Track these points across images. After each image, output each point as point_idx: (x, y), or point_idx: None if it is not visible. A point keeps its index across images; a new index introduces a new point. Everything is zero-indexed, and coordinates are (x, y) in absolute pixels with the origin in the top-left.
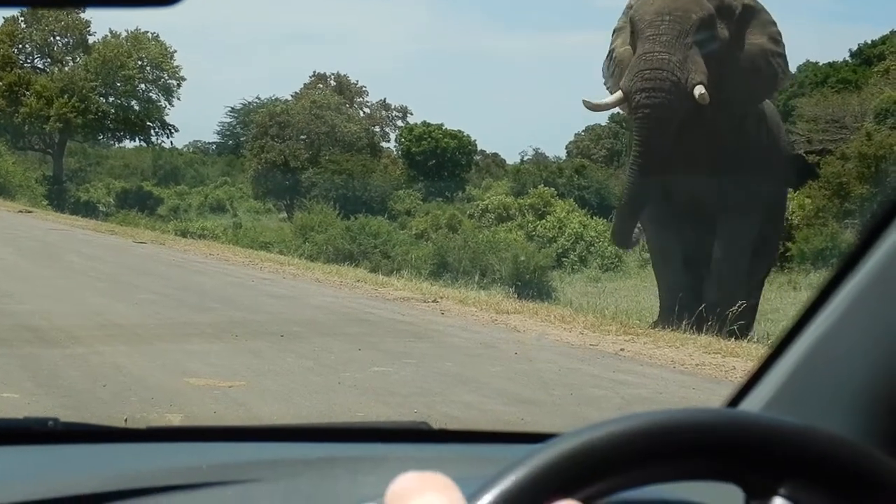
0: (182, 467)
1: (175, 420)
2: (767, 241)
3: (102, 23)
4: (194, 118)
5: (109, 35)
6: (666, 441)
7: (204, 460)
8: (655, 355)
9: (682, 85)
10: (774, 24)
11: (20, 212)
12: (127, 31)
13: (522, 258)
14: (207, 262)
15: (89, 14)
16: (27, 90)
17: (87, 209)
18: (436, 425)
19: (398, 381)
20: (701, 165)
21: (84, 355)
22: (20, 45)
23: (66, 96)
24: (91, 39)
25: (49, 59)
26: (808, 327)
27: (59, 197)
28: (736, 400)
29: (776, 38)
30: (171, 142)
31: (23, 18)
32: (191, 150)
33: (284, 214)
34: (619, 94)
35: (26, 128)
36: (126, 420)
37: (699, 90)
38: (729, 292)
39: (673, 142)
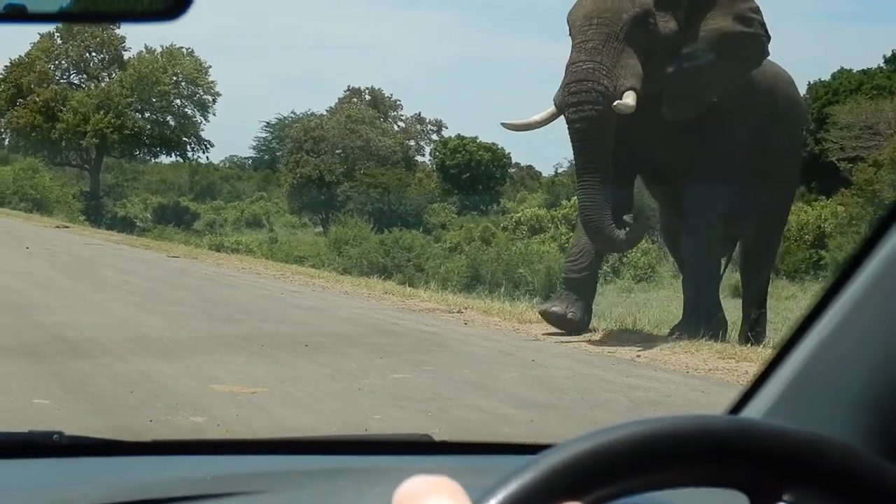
0: (186, 479)
1: (199, 422)
2: (764, 248)
3: (137, 38)
4: (230, 133)
5: (144, 51)
6: (672, 446)
7: (209, 472)
8: (670, 361)
9: (611, 94)
10: (745, 0)
11: (57, 227)
12: (162, 46)
13: (554, 269)
14: (239, 276)
15: (125, 30)
16: (64, 106)
17: (124, 224)
18: (447, 428)
19: (415, 387)
20: (674, 169)
21: (112, 364)
22: (56, 62)
23: (102, 112)
24: (126, 55)
25: (85, 75)
26: (811, 332)
27: (97, 212)
28: (740, 405)
29: (744, 16)
30: (207, 157)
31: (59, 34)
32: (227, 166)
33: (320, 228)
34: (550, 109)
35: (63, 144)
36: (151, 421)
37: (627, 97)
38: (700, 302)
39: (642, 147)
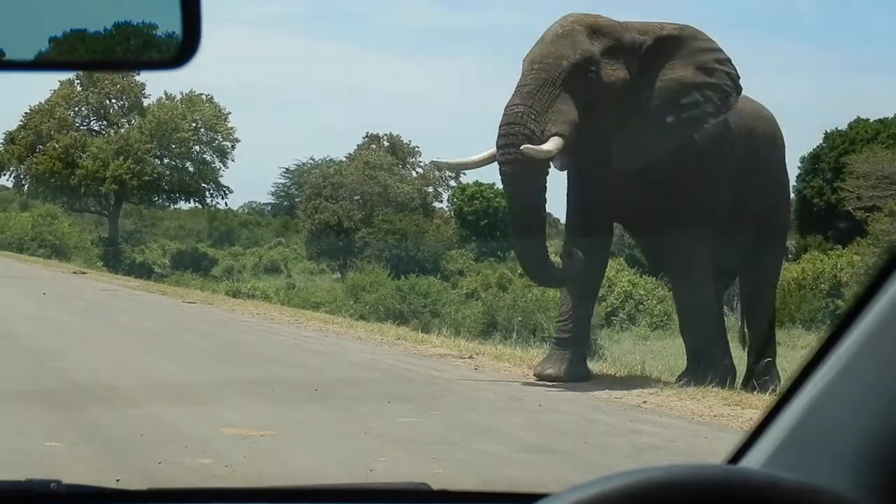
0: None
1: (207, 464)
2: (756, 294)
3: (157, 85)
4: (249, 179)
5: (164, 97)
6: (669, 496)
7: None
8: (676, 407)
9: (537, 138)
10: (712, 51)
11: (74, 273)
12: (181, 93)
13: None
14: (253, 321)
15: (144, 77)
16: (83, 152)
17: (142, 270)
18: (451, 471)
19: (422, 431)
20: (648, 217)
21: (125, 408)
22: (76, 108)
23: (121, 158)
24: (146, 102)
25: (105, 122)
26: (810, 381)
27: (115, 258)
28: (740, 453)
29: (707, 67)
30: (226, 203)
31: (78, 81)
32: (246, 212)
33: (338, 275)
34: (490, 150)
35: (82, 190)
36: (160, 463)
37: (550, 143)
38: (702, 348)
39: (615, 196)
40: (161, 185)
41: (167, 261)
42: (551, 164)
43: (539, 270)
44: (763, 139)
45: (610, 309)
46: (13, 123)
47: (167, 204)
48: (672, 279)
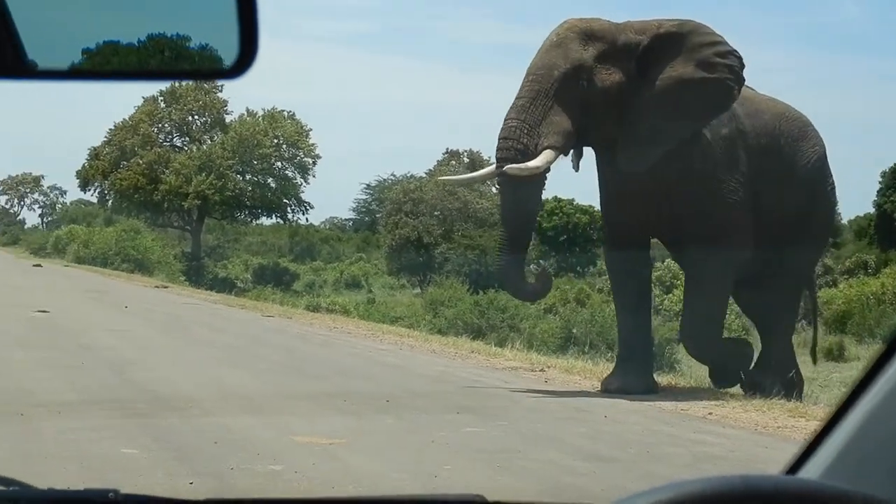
0: None
1: (277, 470)
2: (776, 304)
3: (239, 102)
4: (330, 195)
5: (246, 114)
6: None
7: None
8: (741, 418)
9: (531, 152)
10: (712, 45)
11: (156, 287)
12: (263, 109)
13: None
14: (330, 335)
15: (227, 93)
16: (166, 168)
17: (224, 285)
18: (512, 477)
19: (487, 440)
20: (673, 228)
21: (200, 417)
22: (159, 125)
23: (204, 174)
24: (228, 118)
25: (187, 138)
26: (867, 395)
27: (198, 273)
28: (797, 465)
29: (708, 62)
30: (307, 219)
31: (162, 98)
32: (327, 227)
33: (418, 290)
34: (490, 167)
35: (165, 205)
36: (232, 468)
37: (540, 158)
38: (772, 360)
39: (642, 207)
40: (243, 200)
41: (249, 275)
42: (572, 165)
43: (518, 286)
44: (787, 140)
45: None
46: (98, 139)
47: (249, 219)
48: (685, 284)
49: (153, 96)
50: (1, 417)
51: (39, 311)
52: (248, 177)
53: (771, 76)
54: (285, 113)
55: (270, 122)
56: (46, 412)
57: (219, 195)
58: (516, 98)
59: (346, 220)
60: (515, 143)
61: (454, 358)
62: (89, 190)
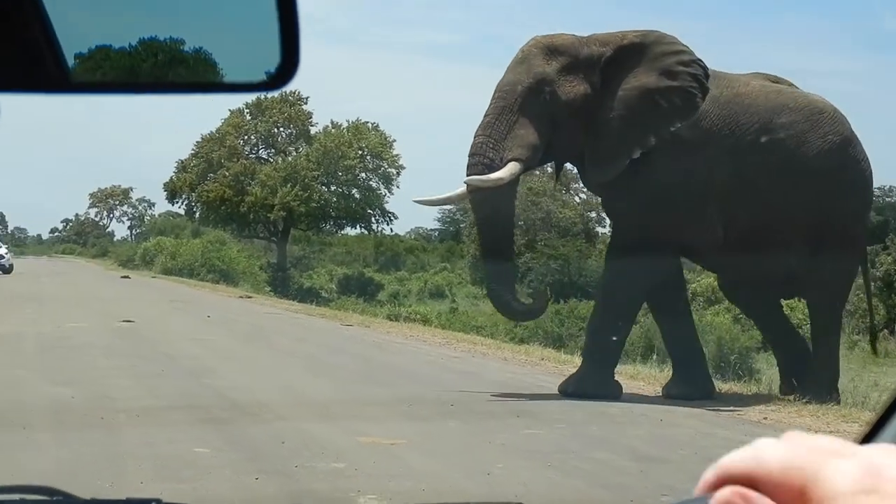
0: None
1: (339, 468)
2: (814, 306)
3: (324, 114)
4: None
5: (330, 126)
6: None
7: None
8: (794, 422)
9: (496, 166)
10: (675, 54)
11: (240, 297)
12: (348, 121)
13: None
14: (406, 343)
15: (311, 105)
16: (252, 180)
17: (309, 295)
18: (562, 476)
19: (544, 441)
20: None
21: (271, 420)
22: (245, 137)
23: (289, 185)
24: (313, 130)
25: (273, 150)
26: None
27: (283, 283)
28: None
29: (670, 70)
30: (391, 229)
31: (248, 111)
32: (412, 237)
33: None
34: (462, 188)
35: (251, 216)
36: (296, 466)
37: (503, 170)
38: (826, 365)
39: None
40: (328, 211)
41: (334, 286)
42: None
43: (509, 306)
44: (789, 133)
45: None
46: (185, 152)
47: (334, 230)
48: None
49: (239, 109)
50: (84, 422)
51: (125, 322)
52: (332, 188)
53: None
54: (369, 124)
55: (355, 133)
56: (126, 417)
57: (304, 206)
58: (484, 116)
59: (431, 230)
60: (482, 159)
61: (524, 365)
62: (177, 202)
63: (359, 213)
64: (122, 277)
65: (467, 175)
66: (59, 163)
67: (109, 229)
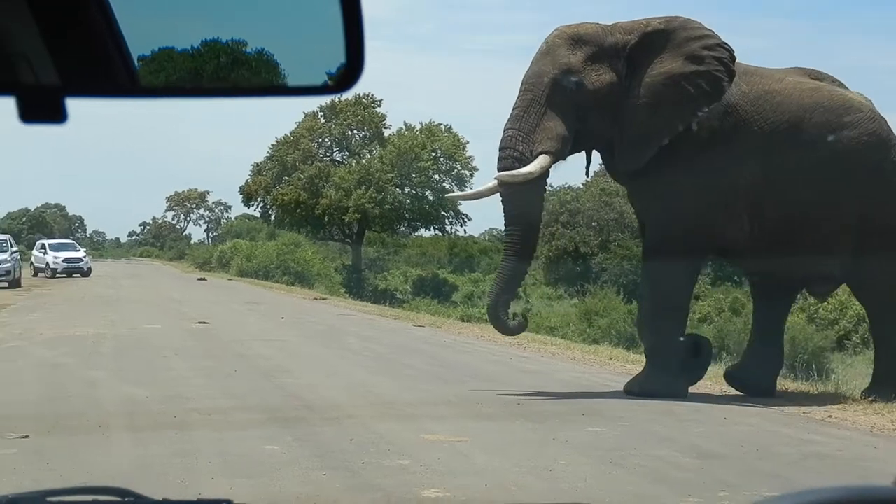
0: None
1: (405, 464)
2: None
3: (397, 116)
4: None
5: (404, 128)
6: None
7: None
8: (859, 421)
9: (527, 159)
10: (700, 38)
11: (314, 299)
12: (421, 123)
13: (799, 340)
14: (476, 343)
15: (385, 108)
16: (326, 182)
17: (383, 297)
18: (622, 472)
19: (606, 439)
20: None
21: (340, 419)
22: (320, 139)
23: (363, 188)
24: (386, 132)
25: (347, 152)
26: None
27: (358, 285)
28: None
29: (695, 55)
30: (465, 230)
31: (322, 114)
32: (486, 238)
33: (576, 300)
34: (493, 181)
35: (326, 219)
36: (363, 463)
37: (534, 164)
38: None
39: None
40: (402, 213)
41: (409, 287)
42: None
43: (494, 313)
44: (820, 131)
45: (843, 332)
46: (261, 155)
47: (409, 232)
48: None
49: (314, 112)
50: (157, 421)
51: (200, 323)
52: (406, 190)
53: None
54: (442, 126)
55: (428, 135)
56: (199, 416)
57: (378, 208)
58: (512, 108)
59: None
60: (512, 152)
61: (592, 364)
62: (252, 205)
63: (432, 214)
64: (198, 280)
65: (498, 169)
66: (136, 166)
67: (186, 232)
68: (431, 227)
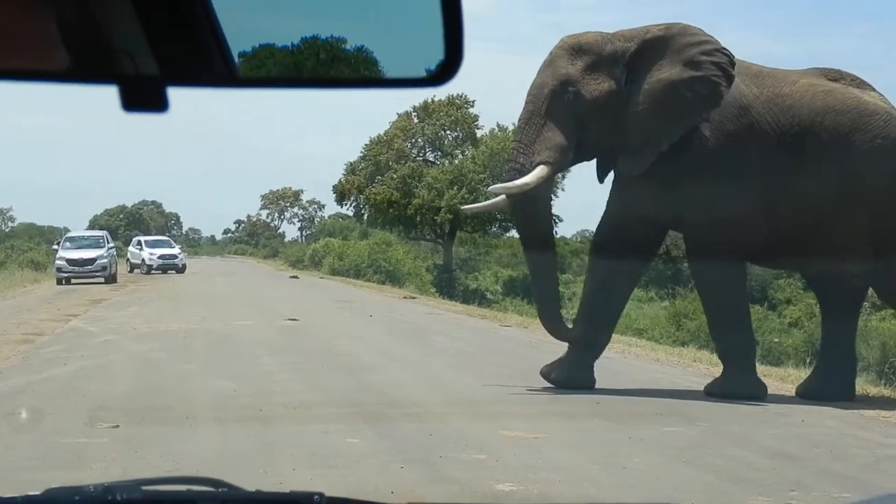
0: None
1: (481, 459)
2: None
3: (490, 117)
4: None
5: (497, 128)
6: None
7: None
8: None
9: (527, 170)
10: (698, 44)
11: (403, 298)
12: (513, 124)
13: (890, 346)
14: (561, 344)
15: (478, 108)
16: (419, 182)
17: (474, 296)
18: (695, 470)
19: (682, 438)
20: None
21: (421, 414)
22: (412, 140)
23: (455, 188)
24: (479, 133)
25: (440, 153)
26: None
27: (449, 285)
28: None
29: (693, 61)
30: (558, 231)
31: (415, 114)
32: (578, 240)
33: (667, 303)
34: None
35: (418, 219)
36: (441, 457)
37: (533, 174)
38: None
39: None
40: (494, 214)
41: (499, 287)
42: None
43: (552, 321)
44: (832, 135)
45: None
46: (354, 155)
47: (500, 232)
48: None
49: (407, 112)
50: (243, 414)
51: (290, 320)
52: None
53: None
54: None
55: None
56: (283, 410)
57: None
58: (517, 121)
59: None
60: (514, 164)
61: (675, 366)
62: (345, 204)
63: None
64: (290, 278)
65: (505, 178)
66: (232, 165)
67: (280, 230)
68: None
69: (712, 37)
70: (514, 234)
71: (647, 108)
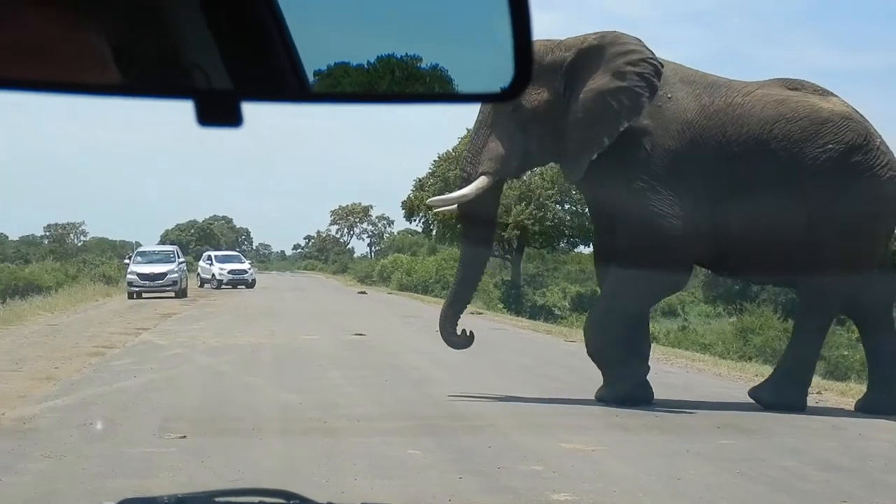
0: None
1: (538, 470)
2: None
3: None
4: None
5: None
6: None
7: None
8: None
9: (473, 179)
10: (625, 54)
11: (471, 313)
12: None
13: None
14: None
15: None
16: None
17: (542, 312)
18: (746, 482)
19: (737, 450)
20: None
21: (481, 426)
22: None
23: (523, 204)
24: None
25: None
26: None
27: (516, 300)
28: None
29: (619, 71)
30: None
31: None
32: None
33: (734, 318)
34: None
35: None
36: (499, 468)
37: (473, 184)
38: None
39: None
40: (562, 230)
41: (567, 303)
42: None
43: (443, 326)
44: (783, 143)
45: None
46: (423, 171)
47: (568, 248)
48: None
49: (468, 131)
50: (307, 426)
51: (357, 335)
52: (566, 206)
53: None
54: None
55: None
56: (347, 422)
57: (538, 225)
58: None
59: None
60: (463, 174)
61: (737, 381)
62: (414, 220)
63: (592, 231)
64: (358, 293)
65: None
66: (302, 180)
67: (350, 246)
68: (591, 245)
69: (643, 46)
70: (582, 249)
71: (580, 117)
